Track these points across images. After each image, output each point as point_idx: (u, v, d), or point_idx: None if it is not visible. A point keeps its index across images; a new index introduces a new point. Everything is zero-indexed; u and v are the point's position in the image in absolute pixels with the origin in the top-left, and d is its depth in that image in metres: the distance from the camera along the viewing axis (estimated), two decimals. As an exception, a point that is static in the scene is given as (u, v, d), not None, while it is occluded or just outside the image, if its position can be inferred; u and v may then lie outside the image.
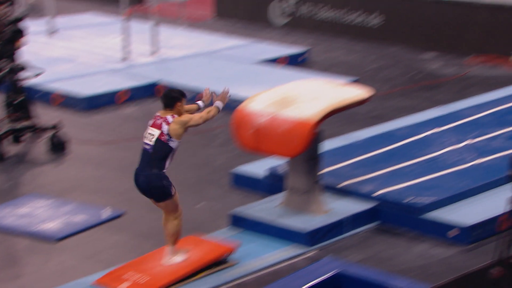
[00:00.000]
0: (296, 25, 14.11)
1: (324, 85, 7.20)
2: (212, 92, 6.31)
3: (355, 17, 13.50)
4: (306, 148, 6.56)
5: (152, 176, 5.87)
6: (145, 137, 5.97)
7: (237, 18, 14.68)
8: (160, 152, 5.86)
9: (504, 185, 6.99)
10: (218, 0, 14.96)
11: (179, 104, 5.98)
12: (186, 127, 5.93)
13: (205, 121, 6.03)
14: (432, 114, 9.41)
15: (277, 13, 14.36)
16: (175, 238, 6.11)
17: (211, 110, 6.07)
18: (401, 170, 7.67)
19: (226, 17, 14.83)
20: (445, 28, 12.63)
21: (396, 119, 9.44)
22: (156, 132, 5.89)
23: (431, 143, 8.34)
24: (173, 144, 5.89)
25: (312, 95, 6.84)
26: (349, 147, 8.29)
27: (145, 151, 5.94)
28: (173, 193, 5.93)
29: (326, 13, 13.80)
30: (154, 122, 5.95)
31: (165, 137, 5.86)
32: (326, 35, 13.70)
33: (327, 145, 8.22)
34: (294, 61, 12.11)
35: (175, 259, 6.13)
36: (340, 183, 7.33)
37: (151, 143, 5.88)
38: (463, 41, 12.46)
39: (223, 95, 6.18)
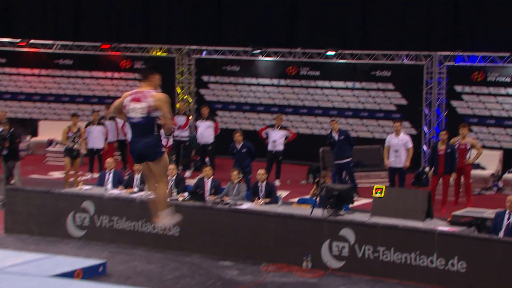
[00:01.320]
0: (94, 236, 13.84)
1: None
2: None
3: (152, 228, 13.47)
4: None
5: (150, 140, 6.83)
6: (131, 111, 6.82)
7: (30, 234, 14.14)
8: (151, 122, 6.83)
9: None
10: (7, 215, 14.33)
11: (154, 75, 6.94)
12: (160, 107, 6.85)
13: (165, 119, 6.92)
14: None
15: (73, 226, 14.04)
16: (167, 201, 6.99)
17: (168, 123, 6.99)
18: None
19: (17, 233, 14.22)
20: (240, 237, 12.85)
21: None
22: (143, 106, 6.83)
23: None
24: (157, 113, 6.85)
25: (108, 308, 6.56)
26: None
27: (137, 125, 6.88)
28: (163, 151, 6.84)
29: (123, 224, 13.68)
30: (135, 96, 6.83)
31: (151, 109, 6.85)
32: (124, 246, 13.51)
33: None
34: (91, 273, 11.72)
35: (173, 219, 6.69)
36: None
37: (142, 116, 6.84)
38: (257, 249, 12.70)
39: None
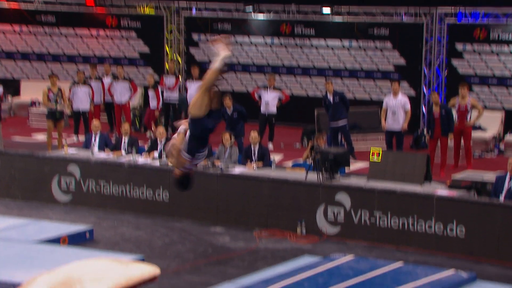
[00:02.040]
0: (80, 201, 13.92)
1: (110, 264, 7.04)
2: None
3: (140, 193, 13.56)
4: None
5: None
6: None
7: (13, 198, 14.22)
8: None
9: None
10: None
11: None
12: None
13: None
14: (222, 289, 9.46)
15: (59, 190, 14.12)
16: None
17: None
18: None
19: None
20: (232, 202, 12.95)
21: (186, 297, 9.37)
22: None
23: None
24: None
25: (96, 275, 6.65)
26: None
27: None
28: None
29: (111, 189, 13.76)
30: None
31: None
32: (112, 211, 13.61)
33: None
34: (78, 239, 11.82)
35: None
36: None
37: None
38: (250, 214, 12.80)
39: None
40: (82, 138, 17.54)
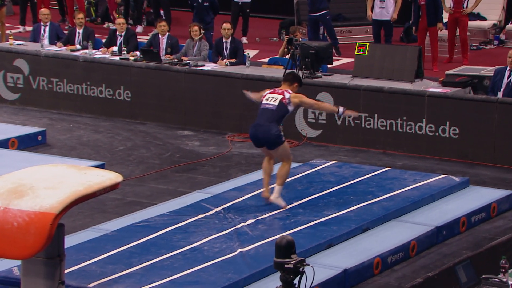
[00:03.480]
0: (30, 101, 13.91)
1: (66, 170, 7.09)
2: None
3: (99, 92, 13.54)
4: (45, 245, 6.39)
5: (272, 128, 8.85)
6: (266, 99, 9.04)
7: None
8: (280, 111, 8.94)
9: (272, 274, 7.24)
10: None
11: (296, 84, 9.17)
12: (300, 100, 9.03)
13: (314, 107, 9.63)
14: (193, 198, 9.58)
15: (5, 87, 14.08)
16: (284, 180, 9.03)
17: (326, 104, 10.11)
18: (160, 263, 7.69)
19: None
20: (202, 103, 13.00)
21: (152, 206, 9.50)
22: (279, 97, 8.98)
23: (192, 231, 8.47)
24: (290, 108, 9.02)
25: (51, 182, 6.71)
26: (99, 241, 8.23)
27: (266, 110, 8.99)
28: (283, 140, 8.94)
29: (65, 87, 13.73)
30: (275, 90, 9.11)
31: (286, 101, 8.97)
32: (67, 112, 13.62)
33: (72, 239, 8.08)
34: (28, 142, 11.88)
35: (280, 200, 8.95)
36: (90, 284, 7.19)
37: (275, 103, 8.96)
38: (222, 116, 12.88)
39: (353, 112, 9.66)
40: (29, 28, 17.36)
